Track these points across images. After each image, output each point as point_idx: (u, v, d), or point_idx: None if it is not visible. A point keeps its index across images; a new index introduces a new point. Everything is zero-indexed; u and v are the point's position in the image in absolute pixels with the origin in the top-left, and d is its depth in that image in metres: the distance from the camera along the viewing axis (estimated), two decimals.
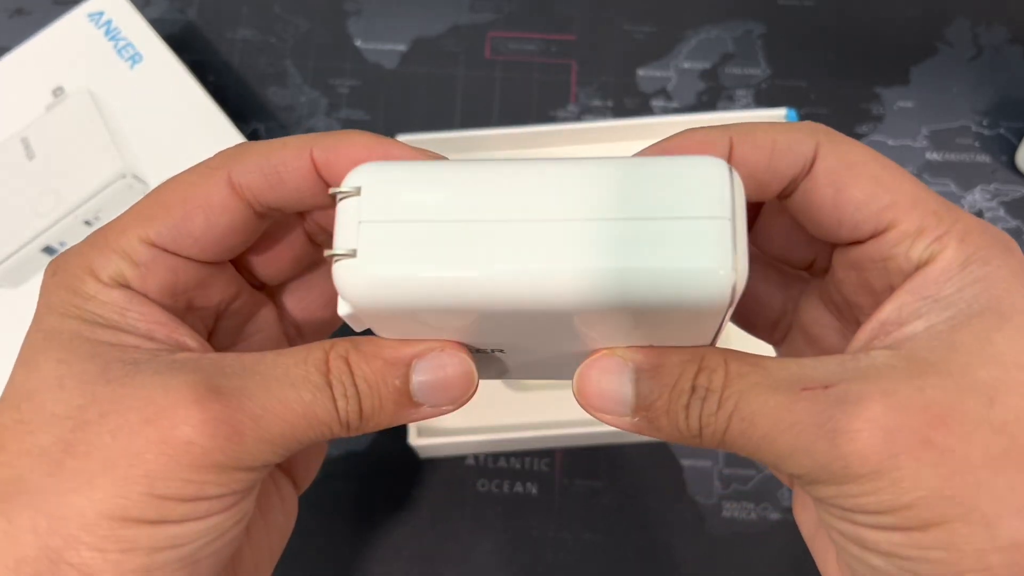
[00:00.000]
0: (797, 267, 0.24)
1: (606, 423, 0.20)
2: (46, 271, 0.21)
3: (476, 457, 0.42)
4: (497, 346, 0.21)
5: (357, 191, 0.18)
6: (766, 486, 0.41)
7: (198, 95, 0.42)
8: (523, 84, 0.49)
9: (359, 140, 0.21)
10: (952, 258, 0.19)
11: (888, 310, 0.19)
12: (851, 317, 0.22)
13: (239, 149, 0.21)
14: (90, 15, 0.44)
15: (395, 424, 0.21)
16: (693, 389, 0.19)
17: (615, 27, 0.50)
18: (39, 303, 0.20)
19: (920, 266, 0.19)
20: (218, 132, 0.42)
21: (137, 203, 0.21)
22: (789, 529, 0.41)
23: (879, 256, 0.20)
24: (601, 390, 0.20)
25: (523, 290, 0.17)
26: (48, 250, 0.40)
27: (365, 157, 0.20)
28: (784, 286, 0.25)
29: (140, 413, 0.18)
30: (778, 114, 0.43)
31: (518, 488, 0.42)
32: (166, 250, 0.21)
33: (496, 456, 0.42)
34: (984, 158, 0.46)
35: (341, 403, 0.19)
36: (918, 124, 0.47)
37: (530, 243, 0.17)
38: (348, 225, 0.18)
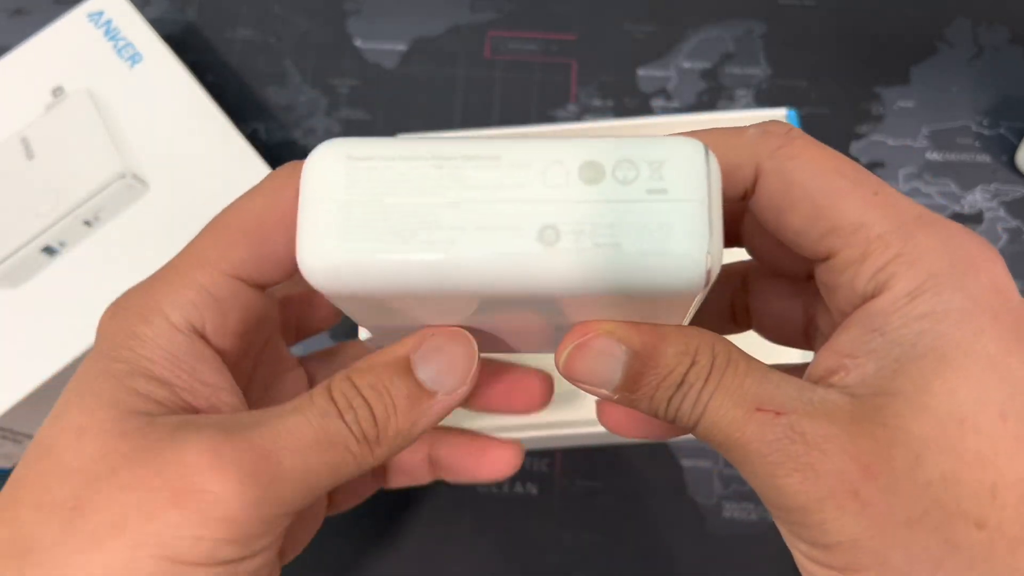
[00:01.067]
0: (799, 276, 0.24)
1: (582, 390, 0.20)
2: (104, 315, 0.20)
3: None
4: (476, 325, 0.21)
5: (319, 171, 0.17)
6: None
7: (198, 95, 0.42)
8: (523, 84, 0.49)
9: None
10: (900, 288, 0.18)
11: (842, 341, 0.19)
12: (838, 317, 0.22)
13: (299, 165, 0.20)
14: (90, 15, 0.44)
15: (418, 428, 0.20)
16: (681, 384, 0.19)
17: (615, 27, 0.50)
18: (93, 349, 0.19)
19: (868, 297, 0.18)
20: (218, 132, 0.42)
21: (202, 236, 0.20)
22: None
23: (830, 283, 0.19)
24: (590, 367, 0.19)
25: (486, 275, 0.17)
26: (48, 250, 0.39)
27: None
28: (798, 295, 0.24)
29: (151, 469, 0.17)
30: (778, 114, 0.43)
31: (518, 488, 0.42)
32: (248, 282, 0.20)
33: None
34: (984, 158, 0.46)
35: (349, 416, 0.19)
36: (918, 124, 0.47)
37: (496, 224, 0.17)
38: (312, 205, 0.17)
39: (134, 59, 0.43)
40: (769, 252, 0.23)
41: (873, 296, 0.18)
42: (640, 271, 0.16)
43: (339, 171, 0.17)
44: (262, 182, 0.20)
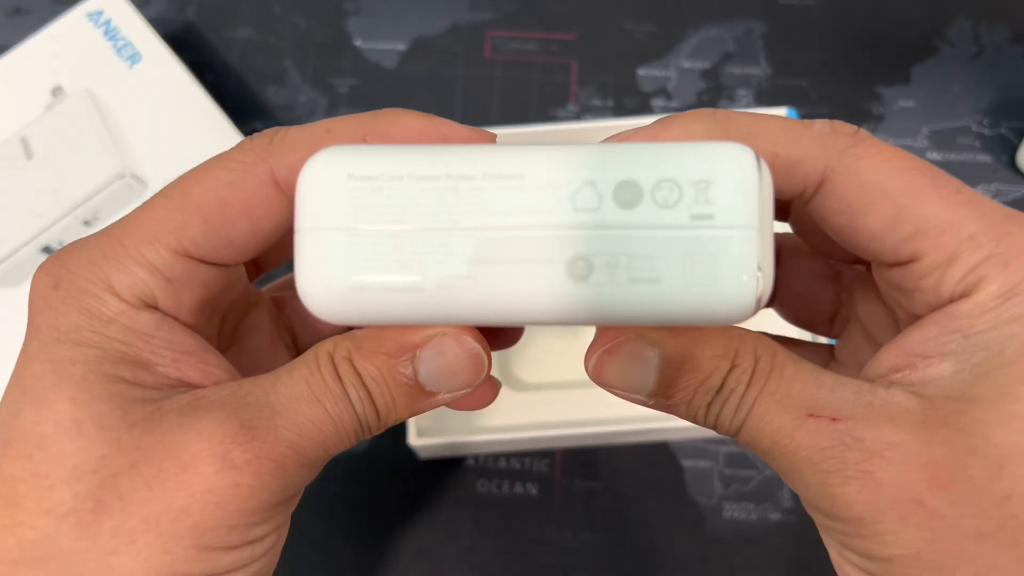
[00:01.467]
0: (844, 260, 0.22)
1: (615, 396, 0.19)
2: (41, 280, 0.18)
3: (476, 457, 0.42)
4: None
5: (315, 192, 0.16)
6: (767, 486, 0.41)
7: (197, 95, 0.42)
8: (523, 83, 0.49)
9: (410, 122, 0.18)
10: (992, 290, 0.16)
11: (914, 340, 0.17)
12: (906, 317, 0.20)
13: (276, 138, 0.19)
14: (89, 15, 0.44)
15: (418, 414, 0.20)
16: (721, 388, 0.18)
17: (615, 26, 0.50)
18: (38, 320, 0.18)
19: (954, 300, 0.17)
20: (217, 132, 0.42)
21: (156, 204, 0.18)
22: (789, 529, 0.41)
23: (907, 286, 0.18)
24: (621, 372, 0.18)
25: (508, 311, 0.15)
26: (47, 250, 0.39)
27: (417, 139, 0.18)
28: (834, 279, 0.23)
29: (175, 461, 0.17)
30: (778, 114, 0.43)
31: (518, 488, 0.42)
32: (203, 261, 0.18)
33: (496, 456, 0.42)
34: (985, 158, 0.46)
35: (358, 407, 0.18)
36: (919, 124, 0.47)
37: (520, 256, 0.15)
38: (312, 232, 0.16)
39: (134, 59, 0.43)
40: (818, 235, 0.21)
41: (960, 299, 0.17)
42: (682, 307, 0.15)
43: (340, 193, 0.15)
44: (232, 152, 0.19)
